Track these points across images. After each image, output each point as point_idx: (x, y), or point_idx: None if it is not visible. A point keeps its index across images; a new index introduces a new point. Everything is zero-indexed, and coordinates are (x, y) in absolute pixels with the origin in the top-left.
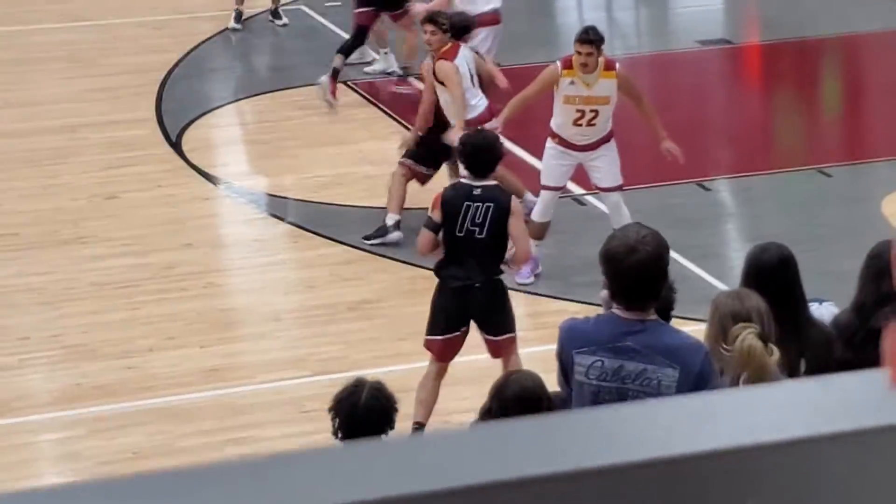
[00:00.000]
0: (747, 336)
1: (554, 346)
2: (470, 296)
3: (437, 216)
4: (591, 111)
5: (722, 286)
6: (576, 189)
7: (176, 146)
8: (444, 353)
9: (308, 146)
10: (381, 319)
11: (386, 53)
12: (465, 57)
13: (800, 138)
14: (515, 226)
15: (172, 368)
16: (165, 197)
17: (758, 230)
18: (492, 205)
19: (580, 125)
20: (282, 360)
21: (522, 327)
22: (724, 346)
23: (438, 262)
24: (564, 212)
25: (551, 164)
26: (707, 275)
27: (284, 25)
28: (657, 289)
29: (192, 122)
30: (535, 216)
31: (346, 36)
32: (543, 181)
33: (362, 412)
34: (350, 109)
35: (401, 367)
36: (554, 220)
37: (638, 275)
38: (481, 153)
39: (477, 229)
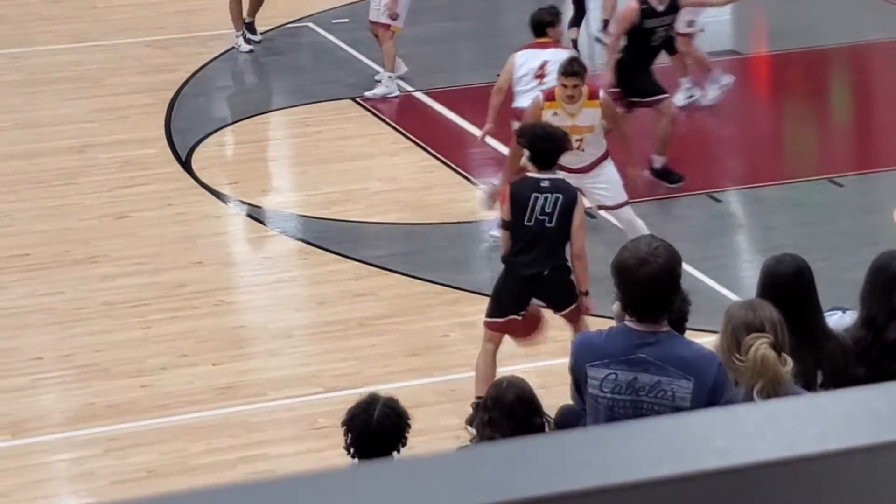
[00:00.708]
0: (760, 346)
1: (567, 360)
2: (539, 282)
3: (506, 213)
4: (577, 140)
5: (734, 297)
6: (586, 202)
7: (186, 165)
8: (504, 332)
9: (317, 163)
10: (393, 335)
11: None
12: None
13: (810, 148)
14: (578, 216)
15: (185, 386)
16: (176, 215)
17: (770, 241)
18: (560, 196)
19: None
20: (294, 377)
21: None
22: (738, 356)
23: (507, 251)
24: None
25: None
26: (719, 286)
27: (251, 51)
28: (670, 300)
29: (202, 140)
30: None
31: (354, 53)
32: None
33: (375, 428)
34: (359, 126)
35: (413, 383)
36: None
37: (650, 287)
38: (542, 144)
39: (546, 219)
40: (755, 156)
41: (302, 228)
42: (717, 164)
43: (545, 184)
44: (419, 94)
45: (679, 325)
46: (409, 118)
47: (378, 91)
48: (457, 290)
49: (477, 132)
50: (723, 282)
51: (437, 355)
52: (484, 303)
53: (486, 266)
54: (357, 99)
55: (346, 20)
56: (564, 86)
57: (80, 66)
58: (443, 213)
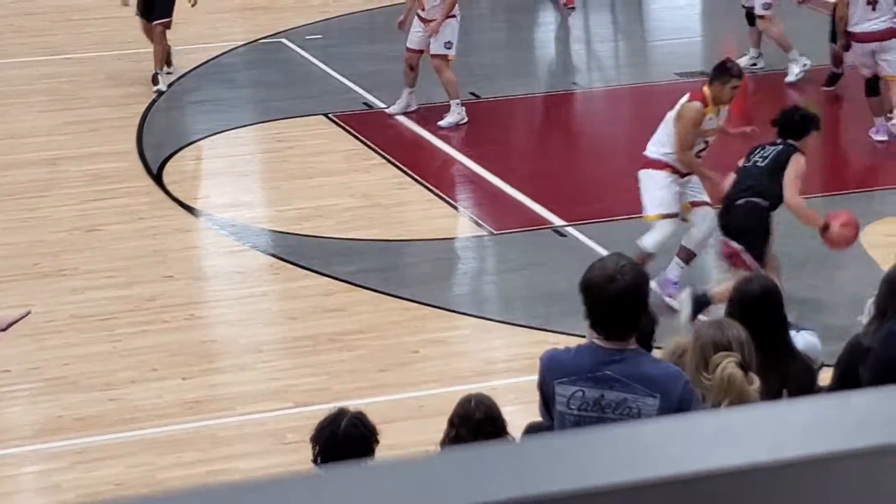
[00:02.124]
0: (727, 365)
1: (535, 377)
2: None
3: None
4: (710, 142)
5: (703, 316)
6: (556, 220)
7: (157, 178)
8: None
9: (289, 178)
10: (363, 351)
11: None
12: None
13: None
14: (790, 174)
15: (154, 400)
16: (146, 229)
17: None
18: (780, 149)
19: (701, 157)
20: (263, 392)
21: (503, 358)
22: (705, 374)
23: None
24: (544, 243)
25: (668, 192)
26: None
27: (159, 93)
28: (636, 319)
29: (173, 154)
30: (654, 248)
31: (327, 69)
32: (663, 210)
33: (341, 440)
34: (331, 142)
35: (382, 399)
36: (533, 251)
37: (617, 304)
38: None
39: (759, 160)
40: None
41: (273, 243)
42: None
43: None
44: (394, 110)
45: (646, 342)
46: (382, 135)
47: (451, 119)
48: (427, 307)
49: (448, 149)
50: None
51: (408, 371)
52: (454, 320)
53: (456, 283)
54: (329, 115)
55: (320, 37)
56: (734, 87)
57: (53, 78)
58: (414, 229)
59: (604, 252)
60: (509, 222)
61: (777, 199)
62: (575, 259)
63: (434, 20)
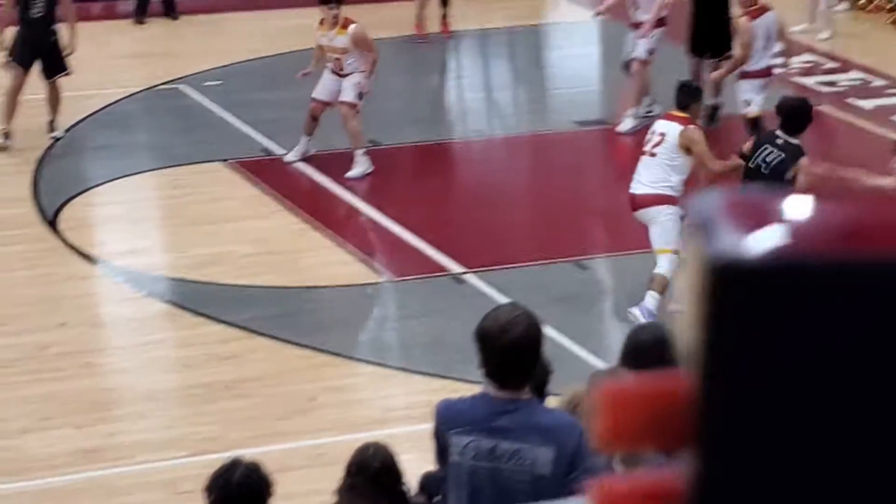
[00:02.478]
0: None
1: (432, 425)
2: None
3: (746, 148)
4: None
5: (599, 364)
6: (455, 267)
7: (52, 225)
8: None
9: (187, 224)
10: (260, 398)
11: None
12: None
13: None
14: (801, 181)
15: (47, 450)
16: (41, 276)
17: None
18: (784, 156)
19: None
20: (159, 440)
21: (401, 406)
22: None
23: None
24: (443, 290)
25: (678, 228)
26: (585, 352)
27: (56, 139)
28: (530, 368)
29: (69, 200)
30: (668, 275)
31: (225, 115)
32: (676, 247)
33: (234, 489)
34: (230, 188)
35: (279, 447)
36: (432, 299)
37: (510, 354)
38: (796, 114)
39: (763, 166)
40: (621, 224)
41: (170, 290)
42: (583, 232)
43: (780, 141)
44: (291, 157)
45: (541, 391)
46: (281, 181)
47: (357, 170)
48: (325, 354)
49: (348, 196)
50: (588, 348)
51: (305, 419)
52: (353, 367)
53: (354, 330)
54: (228, 161)
55: (220, 82)
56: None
57: None
58: (312, 276)
59: (503, 299)
60: (408, 269)
61: None
62: (473, 306)
63: (351, 73)
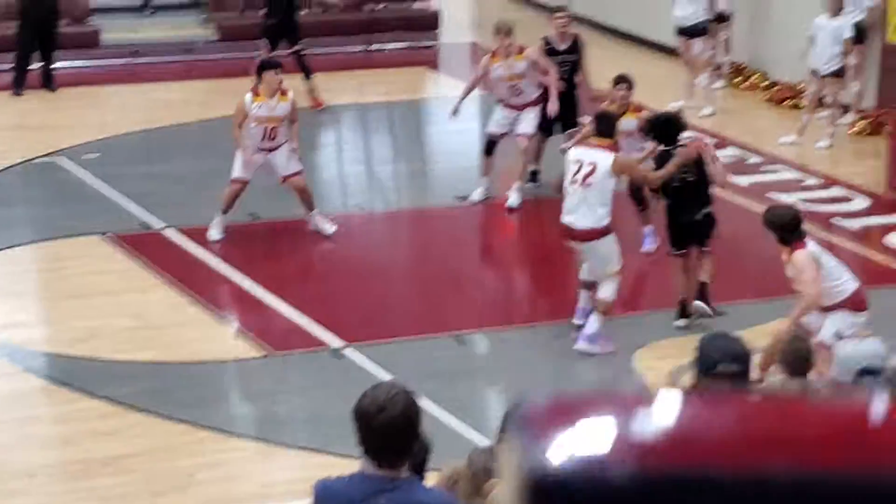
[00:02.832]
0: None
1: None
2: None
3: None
4: None
5: (479, 438)
6: (335, 341)
7: None
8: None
9: (64, 298)
10: (138, 474)
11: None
12: None
13: (555, 292)
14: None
15: None
16: None
17: (514, 382)
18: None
19: None
20: None
21: (281, 481)
22: (479, 501)
23: None
24: (323, 364)
25: (617, 248)
26: (464, 427)
27: None
28: (408, 447)
29: None
30: (613, 297)
31: (104, 188)
32: (619, 267)
33: None
34: (108, 262)
35: None
36: (312, 373)
37: (388, 433)
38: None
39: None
40: (501, 298)
41: (47, 365)
42: (463, 306)
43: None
44: (170, 232)
45: (419, 469)
46: (159, 255)
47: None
48: (204, 429)
49: (227, 270)
50: (468, 422)
51: (183, 495)
52: (232, 442)
53: (233, 405)
54: (106, 234)
55: (98, 155)
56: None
57: None
58: (191, 351)
59: (382, 374)
60: (288, 343)
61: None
62: (353, 381)
63: (281, 145)
